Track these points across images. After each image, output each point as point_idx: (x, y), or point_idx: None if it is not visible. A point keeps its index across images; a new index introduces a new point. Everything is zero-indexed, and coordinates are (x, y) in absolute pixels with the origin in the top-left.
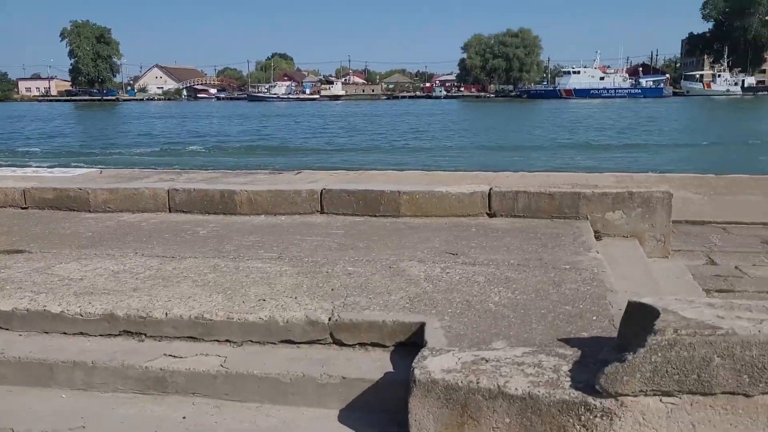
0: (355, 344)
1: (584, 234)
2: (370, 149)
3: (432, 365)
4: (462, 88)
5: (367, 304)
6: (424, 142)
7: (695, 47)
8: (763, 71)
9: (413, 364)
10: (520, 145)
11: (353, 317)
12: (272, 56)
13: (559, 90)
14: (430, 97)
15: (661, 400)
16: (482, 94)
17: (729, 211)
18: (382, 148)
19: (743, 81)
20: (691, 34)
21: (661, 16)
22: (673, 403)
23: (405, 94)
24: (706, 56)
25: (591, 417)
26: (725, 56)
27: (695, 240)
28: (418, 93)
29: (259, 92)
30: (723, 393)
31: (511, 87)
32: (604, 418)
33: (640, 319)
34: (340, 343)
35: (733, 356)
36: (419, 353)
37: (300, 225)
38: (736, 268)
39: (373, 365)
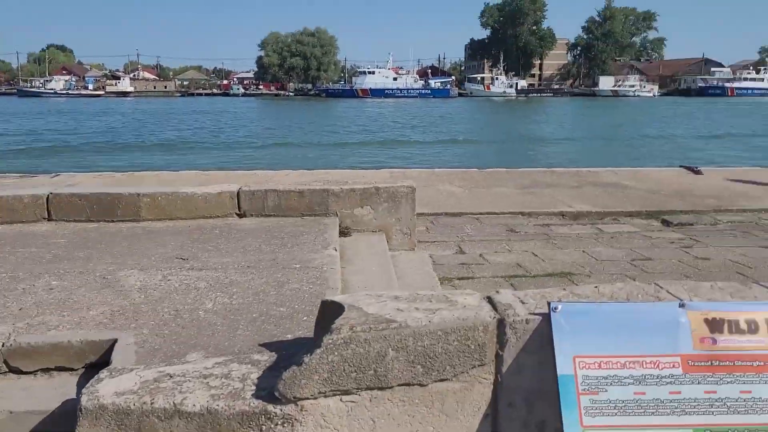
0: (37, 371)
1: (328, 231)
2: (156, 149)
3: (105, 389)
4: (261, 86)
5: (57, 323)
6: (215, 141)
7: (476, 52)
8: (533, 75)
9: (83, 389)
10: (315, 142)
11: (34, 340)
12: (48, 48)
13: (355, 89)
14: (227, 95)
15: (341, 400)
16: (281, 92)
17: (485, 202)
18: (171, 147)
19: (516, 84)
20: (472, 40)
21: (448, 21)
22: (352, 401)
23: (201, 91)
24: (485, 60)
25: (272, 426)
26: (501, 61)
27: (451, 231)
28: (215, 90)
29: (32, 87)
30: (399, 385)
31: (309, 86)
32: (285, 425)
33: (330, 318)
34: (19, 371)
35: (406, 348)
36: (96, 376)
37: (17, 235)
38: (480, 255)
39: (53, 393)
